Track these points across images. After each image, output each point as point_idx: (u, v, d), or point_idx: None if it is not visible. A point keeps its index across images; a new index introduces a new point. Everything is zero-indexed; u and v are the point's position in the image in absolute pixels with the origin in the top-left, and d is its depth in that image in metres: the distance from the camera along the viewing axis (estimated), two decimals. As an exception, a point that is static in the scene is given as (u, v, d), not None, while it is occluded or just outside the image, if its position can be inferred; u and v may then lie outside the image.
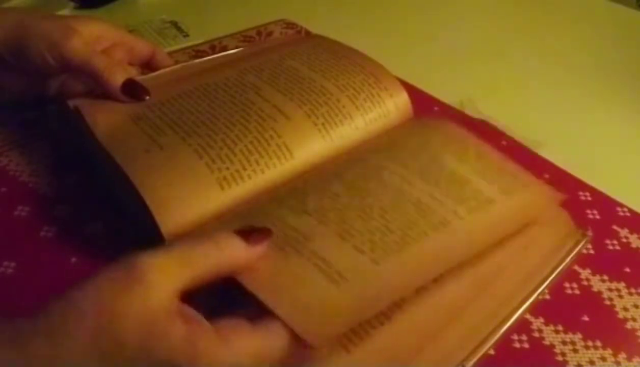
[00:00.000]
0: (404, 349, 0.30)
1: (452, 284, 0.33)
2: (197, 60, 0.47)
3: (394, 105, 0.44)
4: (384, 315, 0.31)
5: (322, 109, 0.41)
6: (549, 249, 0.37)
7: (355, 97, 0.43)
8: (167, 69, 0.44)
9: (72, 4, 0.63)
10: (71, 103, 0.39)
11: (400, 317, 0.31)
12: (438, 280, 0.33)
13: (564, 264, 0.36)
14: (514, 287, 0.34)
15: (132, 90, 0.39)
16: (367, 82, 0.44)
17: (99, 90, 0.40)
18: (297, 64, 0.45)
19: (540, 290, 0.35)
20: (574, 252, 0.37)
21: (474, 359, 0.30)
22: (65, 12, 0.63)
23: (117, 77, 0.39)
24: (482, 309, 0.33)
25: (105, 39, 0.41)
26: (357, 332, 0.30)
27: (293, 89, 0.42)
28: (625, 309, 0.36)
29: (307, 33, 0.52)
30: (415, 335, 0.31)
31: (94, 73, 0.39)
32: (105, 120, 0.38)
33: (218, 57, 0.47)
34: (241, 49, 0.48)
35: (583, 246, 0.38)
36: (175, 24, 0.62)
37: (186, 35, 0.60)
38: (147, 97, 0.40)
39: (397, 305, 0.31)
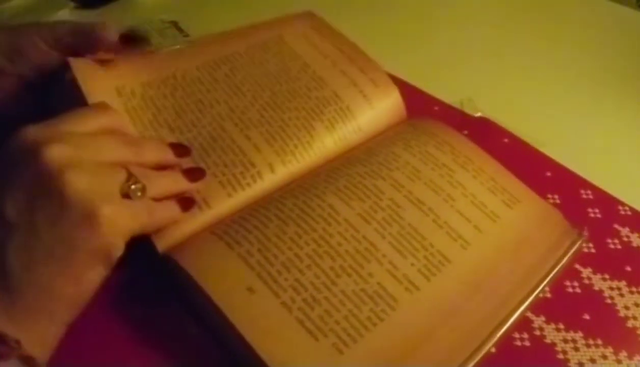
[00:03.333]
0: (397, 349, 0.30)
1: (443, 284, 0.33)
2: None
3: (385, 104, 0.45)
4: (377, 316, 0.31)
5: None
6: (545, 249, 0.37)
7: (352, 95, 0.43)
8: None
9: (71, 4, 0.63)
10: None
11: (393, 318, 0.31)
12: (430, 279, 0.33)
13: (561, 264, 0.36)
14: (512, 287, 0.34)
15: (130, 40, 0.40)
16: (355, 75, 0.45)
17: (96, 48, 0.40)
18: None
19: (538, 290, 0.34)
20: (571, 251, 0.37)
21: (474, 361, 0.30)
22: (65, 12, 0.63)
23: (113, 32, 0.39)
24: (479, 310, 0.32)
25: None
26: (349, 333, 0.30)
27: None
28: (626, 308, 0.36)
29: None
30: (408, 335, 0.30)
31: (88, 32, 0.39)
32: None
33: None
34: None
35: (579, 245, 0.38)
36: (175, 24, 0.62)
37: (186, 35, 0.60)
38: (145, 45, 0.40)
39: (390, 306, 0.31)
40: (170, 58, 0.43)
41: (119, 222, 0.28)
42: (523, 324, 0.34)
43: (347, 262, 0.33)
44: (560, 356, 0.33)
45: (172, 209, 0.33)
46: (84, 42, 0.39)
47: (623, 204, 0.43)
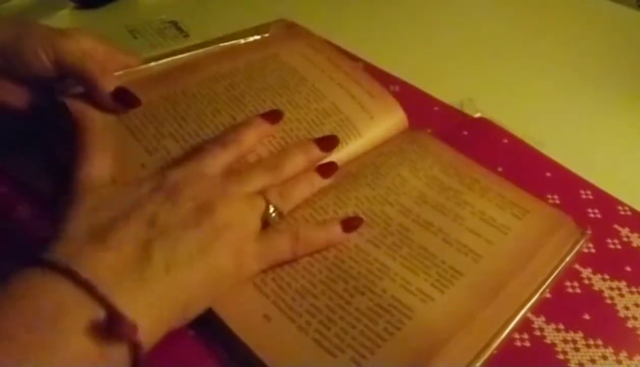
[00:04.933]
0: (414, 359, 0.30)
1: (458, 294, 0.33)
2: None
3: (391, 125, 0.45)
4: (394, 326, 0.31)
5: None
6: (552, 250, 0.37)
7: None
8: None
9: (71, 4, 0.63)
10: None
11: (410, 327, 0.31)
12: (444, 291, 0.33)
13: (564, 263, 0.36)
14: (517, 289, 0.34)
15: (123, 98, 0.39)
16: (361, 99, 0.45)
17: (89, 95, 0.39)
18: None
19: (541, 290, 0.35)
20: (574, 251, 0.37)
21: (480, 362, 0.30)
22: (65, 12, 0.63)
23: (109, 83, 0.39)
24: (486, 313, 0.33)
25: (95, 53, 0.41)
26: (366, 346, 0.30)
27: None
28: (626, 308, 0.36)
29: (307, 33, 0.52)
30: (426, 342, 0.31)
31: (86, 76, 0.39)
32: None
33: None
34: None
35: (582, 244, 0.38)
36: (175, 24, 0.62)
37: (186, 35, 0.60)
38: (137, 106, 0.39)
39: (406, 315, 0.31)
40: (169, 76, 0.43)
41: (253, 261, 0.32)
42: (523, 324, 0.34)
43: (361, 283, 0.33)
44: (561, 357, 0.33)
45: (329, 231, 0.35)
46: (79, 80, 0.39)
47: (623, 204, 0.43)
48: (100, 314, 0.25)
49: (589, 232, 0.39)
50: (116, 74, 0.41)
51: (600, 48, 0.64)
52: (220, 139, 0.37)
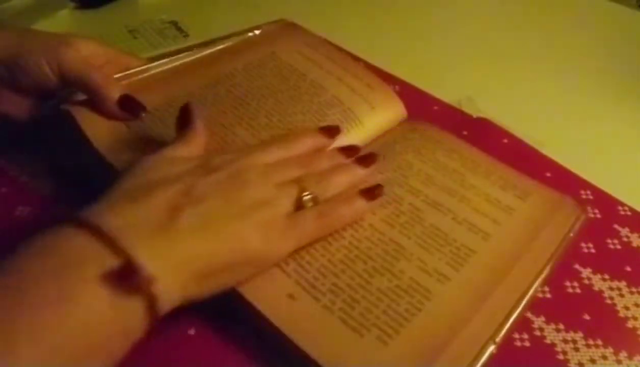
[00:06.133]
0: (438, 336, 0.31)
1: (471, 272, 0.34)
2: None
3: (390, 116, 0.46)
4: (414, 307, 0.32)
5: None
6: (555, 229, 0.38)
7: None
8: None
9: (71, 4, 0.63)
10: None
11: (429, 307, 0.32)
12: (459, 270, 0.34)
13: (567, 239, 0.37)
14: (527, 265, 0.35)
15: (129, 105, 0.39)
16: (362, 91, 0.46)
17: (95, 104, 0.39)
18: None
19: (549, 265, 0.35)
20: (576, 227, 0.38)
21: (498, 337, 0.31)
22: (65, 12, 0.63)
23: (114, 92, 0.39)
24: (501, 289, 0.34)
25: (96, 57, 0.41)
26: (391, 325, 0.31)
27: None
28: (626, 308, 0.36)
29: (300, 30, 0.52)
30: (447, 322, 0.31)
31: (91, 86, 0.39)
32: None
33: None
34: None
35: (583, 219, 0.39)
36: (175, 24, 0.62)
37: (186, 35, 0.60)
38: (144, 114, 0.39)
39: (425, 297, 0.32)
40: (171, 81, 0.44)
41: (280, 239, 0.32)
42: (523, 324, 0.34)
43: (379, 263, 0.34)
44: (560, 357, 0.33)
45: (352, 204, 0.35)
46: (83, 90, 0.39)
47: (623, 204, 0.43)
48: (117, 264, 0.25)
49: (589, 209, 0.40)
50: (116, 76, 0.41)
51: (600, 48, 0.64)
52: (276, 139, 0.38)
